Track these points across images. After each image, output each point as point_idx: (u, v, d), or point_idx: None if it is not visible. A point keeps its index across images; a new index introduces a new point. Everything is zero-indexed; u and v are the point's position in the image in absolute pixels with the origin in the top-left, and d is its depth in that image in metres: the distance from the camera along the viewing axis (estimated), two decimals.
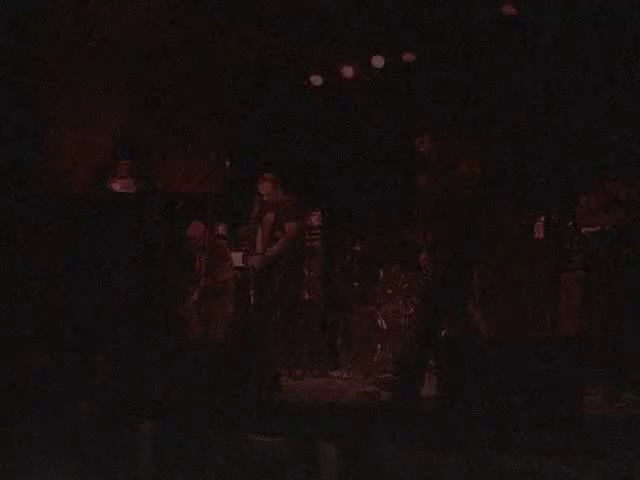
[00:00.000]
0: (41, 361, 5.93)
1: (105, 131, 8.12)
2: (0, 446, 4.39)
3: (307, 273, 8.13)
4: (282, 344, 7.51)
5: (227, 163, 6.91)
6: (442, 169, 4.91)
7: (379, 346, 6.87)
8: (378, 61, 8.17)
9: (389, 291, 7.19)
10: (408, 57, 8.00)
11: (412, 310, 6.72)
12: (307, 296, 8.06)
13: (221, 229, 8.52)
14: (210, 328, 7.32)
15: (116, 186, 7.85)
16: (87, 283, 7.58)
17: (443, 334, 5.24)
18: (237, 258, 7.90)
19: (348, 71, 8.46)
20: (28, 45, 7.62)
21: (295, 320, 7.44)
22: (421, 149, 5.06)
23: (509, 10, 7.04)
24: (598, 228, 5.22)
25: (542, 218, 6.51)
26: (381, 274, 7.30)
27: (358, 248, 7.63)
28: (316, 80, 8.66)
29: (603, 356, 4.87)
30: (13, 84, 7.44)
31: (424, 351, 4.77)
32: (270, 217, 6.71)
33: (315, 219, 8.50)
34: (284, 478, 3.73)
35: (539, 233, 6.54)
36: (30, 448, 4.36)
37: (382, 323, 6.98)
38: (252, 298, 6.58)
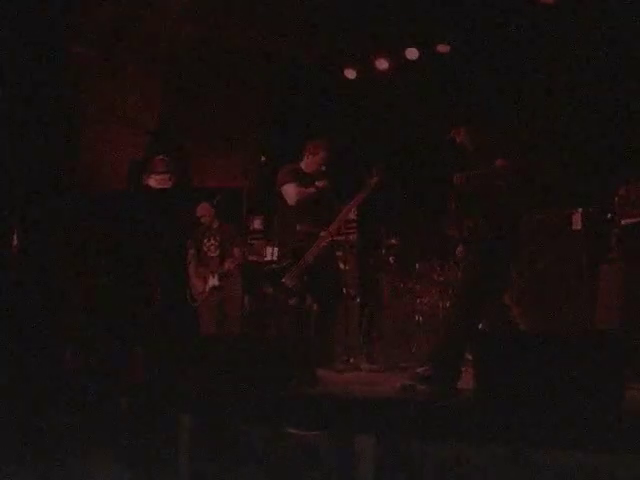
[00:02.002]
0: (78, 357, 6.01)
1: (141, 127, 8.20)
2: (41, 442, 4.46)
3: (343, 267, 8.12)
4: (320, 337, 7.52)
5: (262, 158, 6.93)
6: (478, 162, 4.88)
7: (415, 339, 6.86)
8: (412, 53, 8.13)
9: (425, 284, 7.17)
10: (443, 49, 7.96)
11: (448, 303, 6.69)
12: (343, 290, 8.06)
13: (257, 223, 8.55)
14: (227, 315, 7.32)
15: (152, 182, 7.92)
16: (123, 278, 7.66)
17: (480, 327, 5.20)
18: (270, 252, 7.91)
19: (382, 64, 8.43)
20: (62, 43, 7.70)
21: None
22: (457, 142, 5.03)
23: None
24: (637, 220, 5.15)
25: (580, 209, 6.44)
26: (417, 267, 7.28)
27: (394, 241, 7.61)
28: (350, 74, 8.65)
29: None
30: (47, 82, 7.53)
31: (461, 344, 4.75)
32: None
33: (351, 212, 8.48)
34: (321, 471, 3.74)
35: (577, 224, 6.47)
36: (70, 443, 4.43)
37: (418, 316, 6.96)
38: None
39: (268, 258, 8.23)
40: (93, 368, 5.62)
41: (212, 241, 7.47)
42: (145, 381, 5.16)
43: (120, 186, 8.17)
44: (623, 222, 5.32)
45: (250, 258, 7.66)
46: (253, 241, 8.25)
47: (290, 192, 5.94)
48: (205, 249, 7.50)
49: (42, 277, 7.23)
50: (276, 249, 8.09)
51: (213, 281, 7.36)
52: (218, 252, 7.43)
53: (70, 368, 5.78)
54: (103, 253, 7.74)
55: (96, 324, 7.25)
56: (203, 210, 7.53)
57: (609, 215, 5.71)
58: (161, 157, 7.96)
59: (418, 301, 7.07)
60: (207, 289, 7.37)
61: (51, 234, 7.48)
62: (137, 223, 7.74)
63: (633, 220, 5.24)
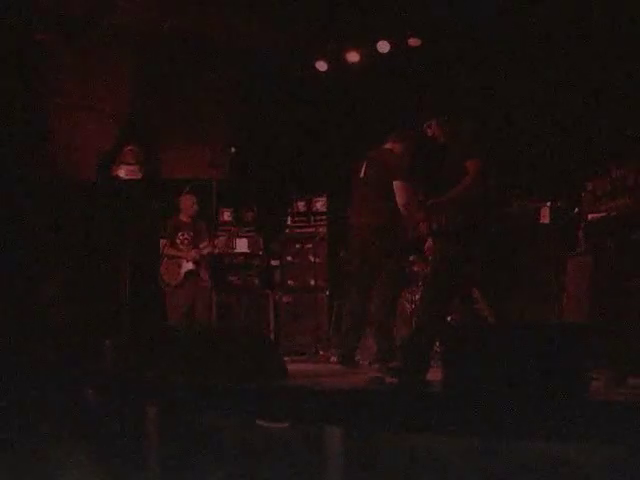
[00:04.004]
0: (47, 347, 5.95)
1: (110, 117, 8.12)
2: (8, 431, 4.42)
3: (313, 259, 8.14)
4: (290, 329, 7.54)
5: (231, 149, 6.92)
6: (448, 158, 4.90)
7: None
8: (384, 46, 8.14)
9: None
10: (414, 42, 7.97)
11: (417, 296, 6.73)
12: (313, 282, 8.08)
13: (227, 215, 8.53)
14: (195, 307, 7.30)
15: (122, 172, 7.86)
16: (92, 268, 7.60)
17: (448, 320, 5.24)
18: (242, 244, 7.90)
19: (354, 56, 8.44)
20: (33, 30, 7.60)
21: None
22: (430, 134, 5.04)
23: None
24: (604, 214, 5.21)
25: (548, 203, 6.51)
26: None
27: None
28: (321, 66, 8.64)
29: (608, 341, 4.86)
30: (17, 70, 7.42)
31: (429, 337, 4.78)
32: None
33: (320, 205, 8.50)
34: (289, 462, 3.75)
35: (545, 218, 6.54)
36: (36, 433, 4.39)
37: None
38: None
39: (238, 250, 8.21)
40: (60, 359, 5.58)
41: (185, 235, 7.49)
42: (112, 373, 5.13)
43: (89, 176, 8.09)
44: (590, 217, 5.38)
45: (219, 251, 7.65)
46: (223, 233, 8.21)
47: None
48: (178, 242, 7.51)
49: (12, 268, 7.14)
50: (246, 240, 8.12)
51: (187, 265, 7.39)
52: (191, 247, 7.44)
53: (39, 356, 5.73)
54: (71, 244, 7.66)
55: (64, 315, 7.19)
56: (188, 201, 7.51)
57: (576, 209, 5.77)
58: (130, 148, 7.89)
59: None
60: (182, 273, 7.39)
61: (18, 223, 7.39)
62: (106, 214, 7.68)
63: (599, 215, 5.30)
